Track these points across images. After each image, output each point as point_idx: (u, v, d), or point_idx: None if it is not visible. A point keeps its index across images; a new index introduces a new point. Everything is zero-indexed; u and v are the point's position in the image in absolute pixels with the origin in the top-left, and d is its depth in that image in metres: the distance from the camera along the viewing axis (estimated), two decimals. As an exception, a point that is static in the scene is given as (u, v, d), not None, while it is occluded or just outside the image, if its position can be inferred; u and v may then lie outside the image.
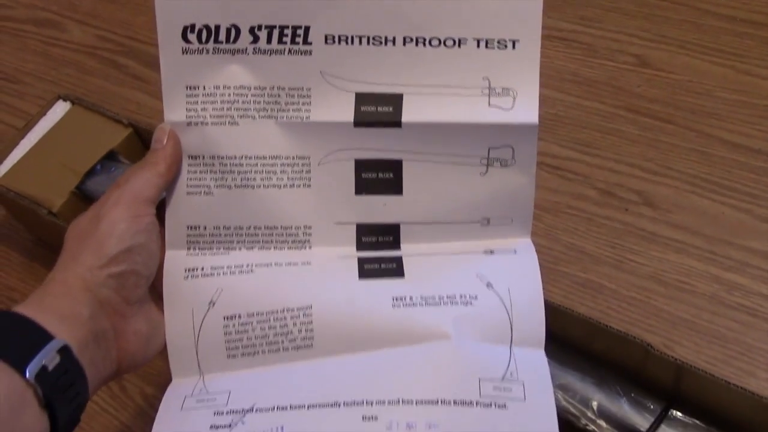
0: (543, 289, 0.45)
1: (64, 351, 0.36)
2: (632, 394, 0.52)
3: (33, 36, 0.95)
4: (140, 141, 0.69)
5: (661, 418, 0.50)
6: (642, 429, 0.50)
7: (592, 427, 0.51)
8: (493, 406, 0.41)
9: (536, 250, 0.47)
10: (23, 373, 0.34)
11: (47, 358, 0.35)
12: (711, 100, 0.76)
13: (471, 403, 0.41)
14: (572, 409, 0.51)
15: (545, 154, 0.73)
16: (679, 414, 0.51)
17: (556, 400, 0.51)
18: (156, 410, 0.43)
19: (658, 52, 0.81)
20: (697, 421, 0.50)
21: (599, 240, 0.67)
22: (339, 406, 0.41)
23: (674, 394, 0.51)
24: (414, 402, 0.41)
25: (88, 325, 0.39)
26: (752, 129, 0.73)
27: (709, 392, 0.49)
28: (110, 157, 0.67)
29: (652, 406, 0.51)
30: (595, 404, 0.51)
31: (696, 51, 0.81)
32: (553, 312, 0.51)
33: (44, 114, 0.70)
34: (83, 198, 0.66)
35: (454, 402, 0.41)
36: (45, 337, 0.36)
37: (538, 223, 0.68)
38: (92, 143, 0.68)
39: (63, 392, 0.36)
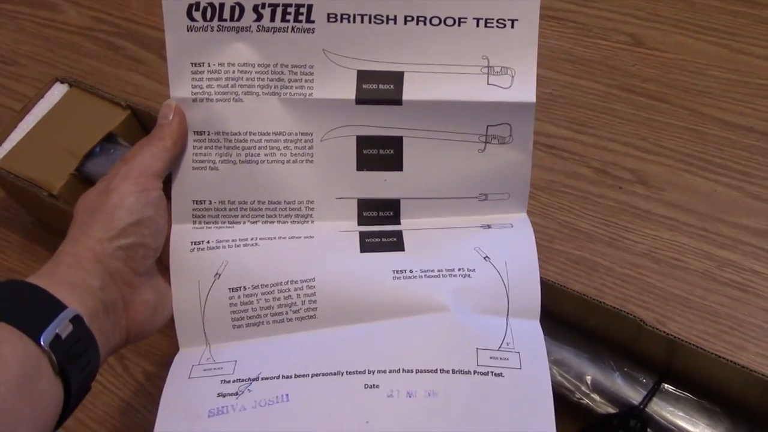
0: (539, 266, 0.46)
1: (76, 320, 0.37)
2: (625, 369, 0.52)
3: (28, 18, 0.95)
4: (139, 123, 0.70)
5: (653, 391, 0.51)
6: (635, 402, 0.51)
7: (586, 401, 0.52)
8: (490, 374, 0.42)
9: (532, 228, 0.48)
10: (38, 341, 0.34)
11: (60, 326, 0.35)
12: (704, 78, 0.76)
13: (469, 371, 0.42)
14: (567, 384, 0.52)
15: (540, 134, 0.74)
16: (671, 387, 0.51)
17: (552, 375, 0.52)
18: (158, 387, 0.44)
19: (651, 31, 0.81)
20: (689, 395, 0.51)
21: (594, 218, 0.68)
22: (342, 374, 0.43)
23: (666, 368, 0.52)
24: (414, 371, 0.42)
25: (99, 295, 0.40)
26: (745, 107, 0.73)
27: (700, 366, 0.50)
28: (109, 139, 0.67)
29: (644, 380, 0.52)
30: (589, 379, 0.52)
31: (689, 30, 0.81)
32: (548, 289, 0.52)
33: (42, 96, 0.70)
34: (83, 180, 0.66)
35: (453, 371, 0.42)
36: (58, 306, 0.36)
37: (534, 201, 0.69)
38: (91, 125, 0.68)
39: (76, 360, 0.36)
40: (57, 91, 0.71)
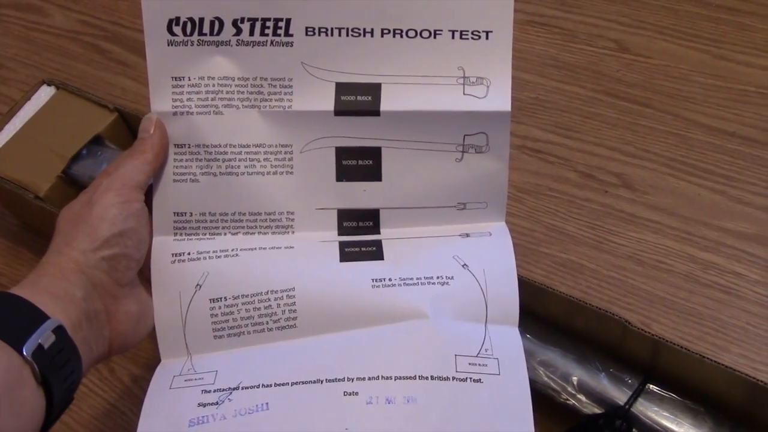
0: (525, 269, 0.47)
1: (59, 330, 0.37)
2: (611, 370, 0.53)
3: (15, 21, 0.95)
4: (126, 125, 0.70)
5: (638, 392, 0.51)
6: (620, 402, 0.51)
7: (572, 401, 0.52)
8: (468, 380, 0.42)
9: (518, 232, 0.48)
10: (20, 351, 0.35)
11: (43, 336, 0.36)
12: (688, 84, 0.77)
13: (447, 378, 0.42)
14: (553, 385, 0.53)
15: (526, 138, 0.74)
16: (655, 388, 0.52)
17: (539, 376, 0.53)
18: (144, 391, 0.44)
19: (636, 37, 0.82)
20: (674, 395, 0.51)
21: (579, 221, 0.68)
22: (321, 382, 0.43)
23: (651, 369, 0.52)
24: (393, 378, 0.42)
25: (82, 306, 0.40)
26: (727, 112, 0.74)
27: (685, 367, 0.50)
28: (96, 141, 0.67)
29: (630, 381, 0.52)
30: (575, 379, 0.53)
31: (673, 36, 0.82)
32: (535, 291, 0.53)
33: (29, 99, 0.70)
34: (70, 182, 0.66)
35: (432, 377, 0.42)
36: (41, 316, 0.37)
37: (520, 205, 0.69)
38: (78, 128, 0.68)
39: (58, 370, 0.37)
40: (44, 94, 0.71)
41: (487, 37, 0.46)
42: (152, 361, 0.58)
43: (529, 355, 0.53)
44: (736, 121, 0.73)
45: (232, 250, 0.47)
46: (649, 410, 0.51)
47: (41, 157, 0.66)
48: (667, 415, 0.51)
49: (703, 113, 0.74)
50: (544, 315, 0.55)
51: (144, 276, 0.46)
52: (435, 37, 0.46)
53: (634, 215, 0.68)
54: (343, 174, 0.48)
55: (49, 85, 0.71)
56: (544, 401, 0.51)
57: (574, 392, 0.52)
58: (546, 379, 0.53)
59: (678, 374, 0.51)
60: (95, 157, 0.67)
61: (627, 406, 0.51)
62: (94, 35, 0.91)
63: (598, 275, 0.64)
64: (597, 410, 0.52)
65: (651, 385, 0.52)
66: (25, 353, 0.35)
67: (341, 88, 0.47)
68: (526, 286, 0.46)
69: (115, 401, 0.61)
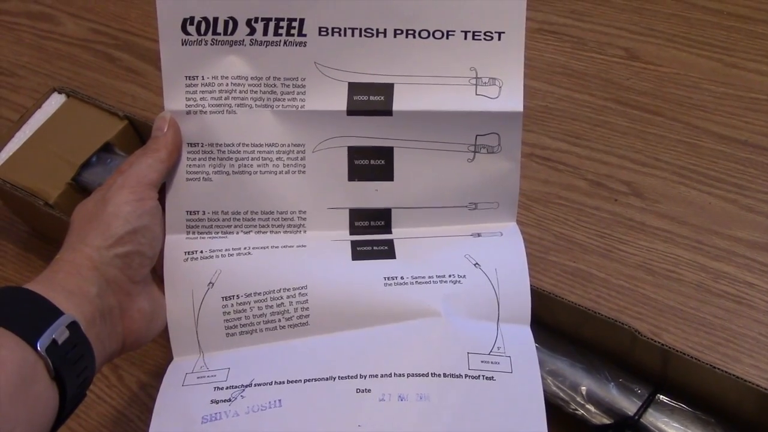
0: (534, 277, 0.46)
1: (73, 326, 0.37)
2: (620, 380, 0.52)
3: (27, 29, 0.95)
4: (136, 133, 0.70)
5: (648, 402, 0.51)
6: (630, 413, 0.51)
7: (581, 411, 0.52)
8: (481, 378, 0.42)
9: (527, 240, 0.48)
10: (35, 346, 0.35)
11: (57, 332, 0.36)
12: (698, 92, 0.77)
13: (460, 375, 0.42)
14: (562, 395, 0.52)
15: (536, 146, 0.74)
16: (665, 398, 0.51)
17: (547, 385, 0.52)
18: (152, 397, 0.44)
19: (646, 46, 0.82)
20: (684, 406, 0.51)
21: (589, 230, 0.68)
22: (334, 379, 0.43)
23: (661, 379, 0.52)
24: (405, 375, 0.42)
25: (96, 303, 0.40)
26: (738, 121, 0.74)
27: (695, 377, 0.50)
28: (106, 149, 0.68)
29: (639, 391, 0.52)
30: (584, 389, 0.52)
31: (684, 44, 0.82)
32: (543, 300, 0.52)
33: (40, 106, 0.70)
34: (79, 190, 0.66)
35: (444, 375, 0.42)
36: (55, 312, 0.37)
37: (529, 213, 0.69)
38: (88, 135, 0.68)
39: (71, 365, 0.37)
40: (54, 101, 0.71)
41: (499, 38, 0.47)
42: (160, 368, 0.58)
43: (537, 364, 0.53)
44: (747, 129, 0.73)
45: (245, 248, 0.47)
46: (659, 421, 0.51)
47: (51, 165, 0.66)
48: (678, 426, 0.50)
49: (714, 121, 0.74)
50: (552, 324, 0.55)
51: (157, 274, 0.47)
52: (447, 38, 0.47)
53: (644, 224, 0.67)
54: (355, 173, 0.49)
55: (59, 92, 0.71)
56: (552, 411, 0.51)
57: (582, 402, 0.52)
58: (554, 388, 0.53)
59: (688, 385, 0.51)
60: (105, 164, 0.67)
61: (637, 417, 0.51)
62: (105, 43, 0.92)
63: (607, 284, 0.64)
64: (606, 421, 0.51)
65: (661, 396, 0.52)
66: (39, 348, 0.35)
67: (354, 88, 0.47)
68: (534, 295, 0.46)
69: (122, 408, 0.61)
